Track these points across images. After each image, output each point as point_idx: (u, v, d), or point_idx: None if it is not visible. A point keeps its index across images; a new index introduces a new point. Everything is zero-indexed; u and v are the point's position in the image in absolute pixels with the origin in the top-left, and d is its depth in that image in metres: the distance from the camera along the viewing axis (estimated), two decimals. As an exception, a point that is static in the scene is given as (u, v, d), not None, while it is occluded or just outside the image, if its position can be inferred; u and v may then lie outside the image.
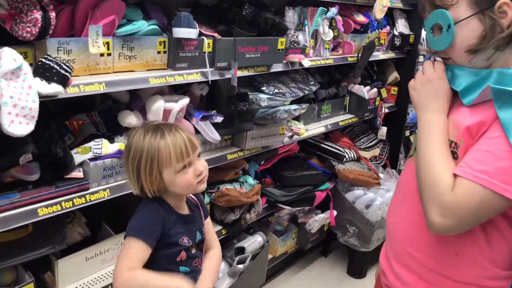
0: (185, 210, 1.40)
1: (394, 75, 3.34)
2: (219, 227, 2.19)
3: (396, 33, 3.17)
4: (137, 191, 1.33)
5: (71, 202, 1.51)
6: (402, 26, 3.26)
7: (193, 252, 1.38)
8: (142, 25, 1.61)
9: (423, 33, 3.28)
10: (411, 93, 1.17)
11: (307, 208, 2.67)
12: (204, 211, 1.49)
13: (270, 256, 2.65)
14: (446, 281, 1.12)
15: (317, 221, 2.69)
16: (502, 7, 0.99)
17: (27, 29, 1.29)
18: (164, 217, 1.30)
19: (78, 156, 1.56)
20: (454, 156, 1.06)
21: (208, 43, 1.78)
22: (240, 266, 2.27)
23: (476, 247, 1.08)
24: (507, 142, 0.94)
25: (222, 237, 2.19)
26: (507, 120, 0.95)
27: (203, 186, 1.35)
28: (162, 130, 1.27)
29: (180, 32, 1.65)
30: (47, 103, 1.54)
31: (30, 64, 1.34)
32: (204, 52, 1.78)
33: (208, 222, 1.51)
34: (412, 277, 1.16)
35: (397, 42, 3.14)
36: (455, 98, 1.12)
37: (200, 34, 1.77)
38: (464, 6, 1.03)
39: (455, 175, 1.00)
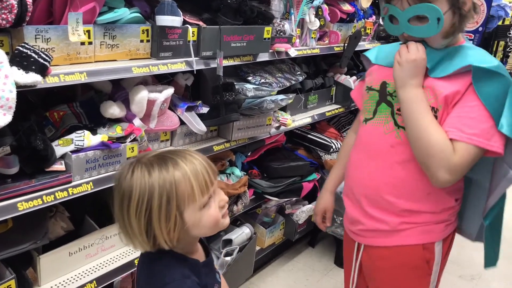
0: (201, 254, 1.17)
1: (380, 65, 3.34)
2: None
3: (382, 22, 3.16)
4: (147, 247, 1.02)
5: (52, 196, 1.46)
6: (387, 16, 3.25)
7: None
8: (124, 12, 1.57)
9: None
10: (396, 67, 1.33)
11: (294, 199, 2.66)
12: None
13: (257, 248, 2.64)
14: (417, 213, 1.40)
15: (304, 212, 2.69)
16: None
17: (3, 15, 1.23)
18: (199, 283, 1.06)
19: (60, 148, 1.52)
20: None
21: (193, 32, 1.75)
22: (228, 258, 2.25)
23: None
24: (484, 108, 1.23)
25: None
26: (482, 91, 1.23)
27: (228, 221, 1.09)
28: (173, 159, 0.99)
29: (164, 20, 1.61)
30: (25, 94, 1.50)
31: (7, 53, 1.29)
32: (189, 41, 1.74)
33: None
34: (389, 216, 1.42)
35: (383, 32, 3.13)
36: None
37: (184, 22, 1.73)
38: (444, 0, 1.25)
39: (451, 139, 1.25)
